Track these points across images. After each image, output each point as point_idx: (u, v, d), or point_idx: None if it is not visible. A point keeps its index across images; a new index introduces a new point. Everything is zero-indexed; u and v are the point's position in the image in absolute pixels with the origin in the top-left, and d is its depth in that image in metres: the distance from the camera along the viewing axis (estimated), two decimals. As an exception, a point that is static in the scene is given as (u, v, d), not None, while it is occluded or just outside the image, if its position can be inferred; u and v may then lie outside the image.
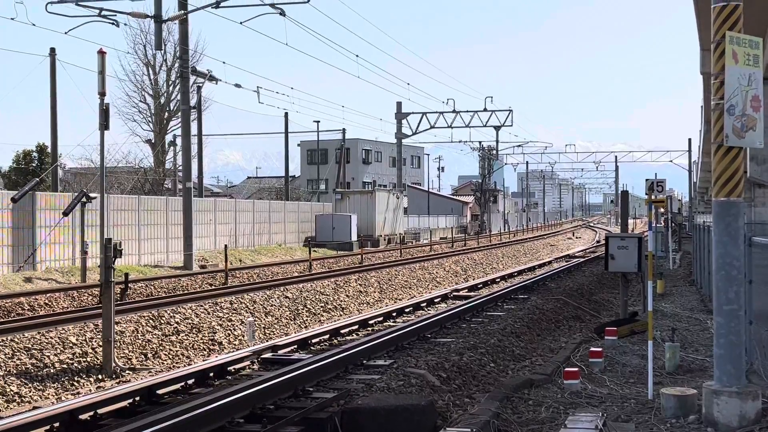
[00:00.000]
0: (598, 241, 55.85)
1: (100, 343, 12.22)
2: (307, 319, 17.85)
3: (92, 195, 23.49)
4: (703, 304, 17.00)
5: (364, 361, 11.27)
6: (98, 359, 12.12)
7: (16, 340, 12.26)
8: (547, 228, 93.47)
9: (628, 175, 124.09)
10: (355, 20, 52.49)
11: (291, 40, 31.07)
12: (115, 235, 26.31)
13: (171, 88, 45.66)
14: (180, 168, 38.12)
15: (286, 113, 52.59)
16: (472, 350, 11.74)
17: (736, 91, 7.16)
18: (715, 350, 7.30)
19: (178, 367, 12.00)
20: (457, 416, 8.19)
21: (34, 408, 9.41)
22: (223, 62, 36.74)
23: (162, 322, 14.86)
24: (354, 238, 43.41)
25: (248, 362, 11.63)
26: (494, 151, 78.42)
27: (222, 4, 26.54)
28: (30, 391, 10.69)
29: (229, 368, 11.10)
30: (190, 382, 10.19)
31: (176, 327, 14.79)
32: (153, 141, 46.36)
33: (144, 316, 14.88)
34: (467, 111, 60.68)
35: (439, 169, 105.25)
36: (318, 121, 59.03)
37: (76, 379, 11.45)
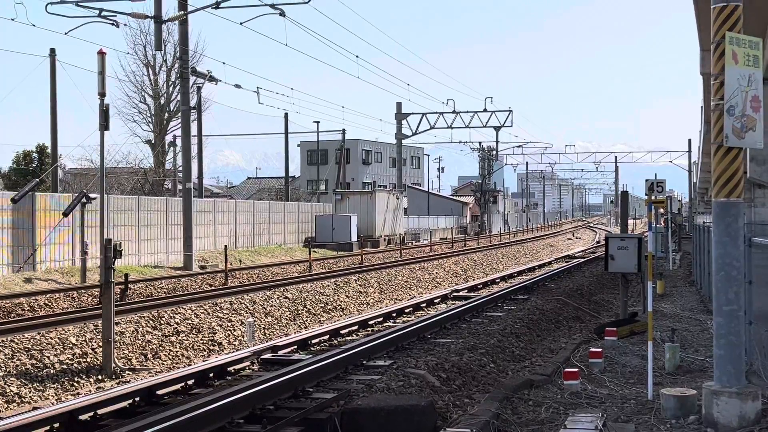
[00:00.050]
0: (597, 242, 55.86)
1: (100, 344, 12.22)
2: (306, 320, 17.85)
3: (92, 195, 23.48)
4: (702, 305, 17.00)
5: (364, 362, 11.28)
6: (98, 360, 12.12)
7: (16, 340, 12.26)
8: (547, 228, 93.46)
9: (628, 176, 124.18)
10: (355, 21, 52.53)
11: (291, 40, 31.09)
12: (115, 235, 26.31)
13: (171, 89, 45.68)
14: (180, 168, 38.09)
15: (286, 114, 52.64)
16: (472, 351, 11.74)
17: (736, 91, 7.16)
18: (715, 351, 7.30)
19: (178, 368, 12.00)
20: (457, 417, 8.19)
21: (34, 408, 9.42)
22: (223, 63, 36.81)
23: (162, 322, 14.86)
24: (354, 238, 43.41)
25: (248, 363, 11.64)
26: (494, 152, 78.45)
27: (222, 5, 26.55)
28: (30, 392, 10.69)
29: (229, 369, 11.10)
30: (190, 382, 10.20)
31: (176, 327, 14.79)
32: (153, 141, 46.36)
33: (144, 317, 14.88)
34: (467, 111, 60.74)
35: (439, 169, 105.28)
36: (318, 122, 59.16)
37: (76, 379, 11.46)
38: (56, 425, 8.07)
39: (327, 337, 14.17)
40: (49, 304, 18.10)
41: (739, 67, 7.17)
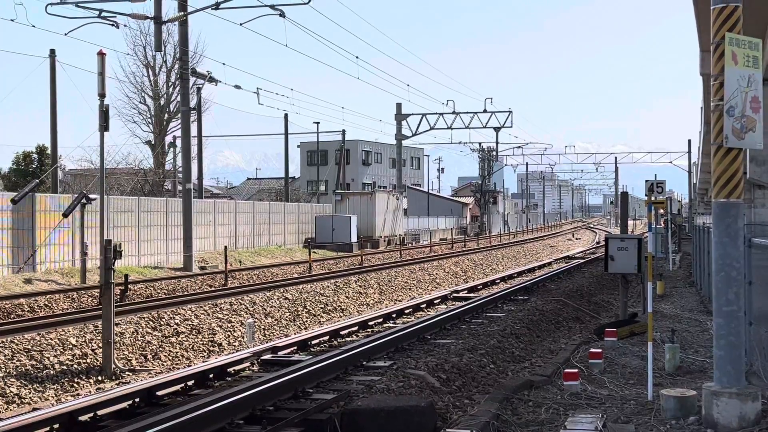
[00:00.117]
0: (597, 243, 55.86)
1: (100, 345, 12.22)
2: (306, 321, 17.84)
3: (92, 196, 23.49)
4: (702, 306, 17.00)
5: (364, 363, 11.28)
6: (98, 360, 12.12)
7: (15, 341, 12.26)
8: (547, 229, 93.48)
9: (627, 176, 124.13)
10: (355, 21, 52.51)
11: (291, 41, 31.11)
12: (115, 236, 26.32)
13: (171, 90, 45.67)
14: (180, 169, 38.09)
15: (286, 114, 52.65)
16: (471, 351, 11.74)
17: (736, 92, 7.16)
18: (715, 351, 7.30)
19: (178, 369, 11.99)
20: (456, 417, 8.19)
21: (34, 409, 9.41)
22: (223, 63, 36.74)
23: (162, 323, 14.86)
24: (354, 239, 43.41)
25: (248, 363, 11.64)
26: (494, 153, 78.45)
27: (222, 6, 26.55)
28: (30, 393, 10.69)
29: (228, 369, 11.10)
30: (190, 383, 10.20)
31: (176, 328, 14.79)
32: (153, 142, 46.35)
33: (144, 318, 14.88)
34: (467, 112, 60.71)
35: (438, 170, 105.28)
36: (318, 123, 59.03)
37: (75, 380, 11.45)
38: (56, 426, 8.07)
39: (327, 337, 14.17)
40: (49, 304, 18.10)
41: (739, 68, 7.18)
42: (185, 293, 20.84)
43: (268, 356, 12.08)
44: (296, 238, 42.94)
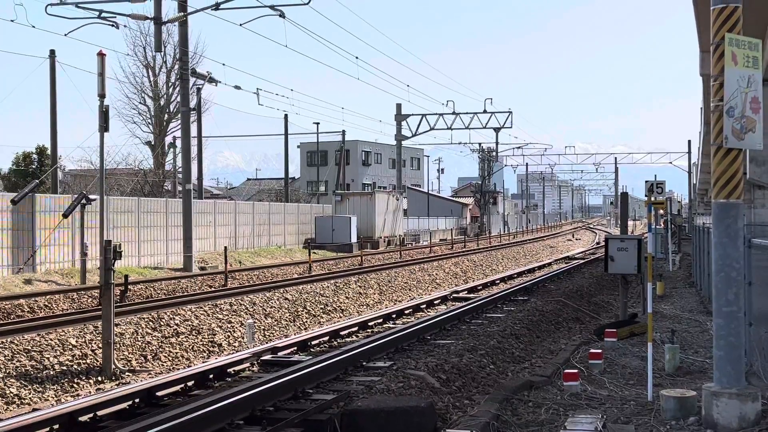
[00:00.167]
0: (597, 243, 55.87)
1: (100, 345, 12.22)
2: (306, 321, 17.84)
3: (92, 197, 23.49)
4: (702, 306, 17.01)
5: (364, 363, 11.28)
6: (98, 361, 12.12)
7: (15, 341, 12.25)
8: (547, 230, 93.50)
9: (627, 177, 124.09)
10: (355, 22, 52.53)
11: (291, 41, 31.15)
12: (115, 236, 26.31)
13: (171, 90, 45.68)
14: (179, 170, 38.10)
15: (286, 115, 52.65)
16: (471, 352, 11.74)
17: (736, 92, 7.16)
18: (715, 352, 7.30)
19: (178, 369, 12.00)
20: (456, 418, 8.19)
21: (34, 410, 9.42)
22: (223, 64, 36.73)
23: (162, 323, 14.85)
24: (354, 239, 43.41)
25: (248, 364, 11.64)
26: (494, 153, 78.45)
27: (221, 6, 26.55)
28: (30, 393, 10.69)
29: (228, 370, 11.10)
30: (189, 383, 10.20)
31: (176, 329, 14.79)
32: (152, 143, 46.36)
33: (144, 318, 14.88)
34: (467, 113, 60.72)
35: (438, 170, 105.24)
36: (318, 123, 58.92)
37: (75, 380, 11.45)
38: (56, 426, 8.07)
39: (327, 338, 14.17)
40: (49, 305, 18.10)
41: (739, 69, 7.18)
42: (185, 294, 20.84)
43: (268, 357, 12.08)
44: (296, 239, 42.94)
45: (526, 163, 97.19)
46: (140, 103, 46.17)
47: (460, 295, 21.59)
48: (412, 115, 61.19)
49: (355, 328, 15.33)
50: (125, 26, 44.53)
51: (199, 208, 33.44)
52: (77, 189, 35.48)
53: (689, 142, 70.27)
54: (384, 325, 16.17)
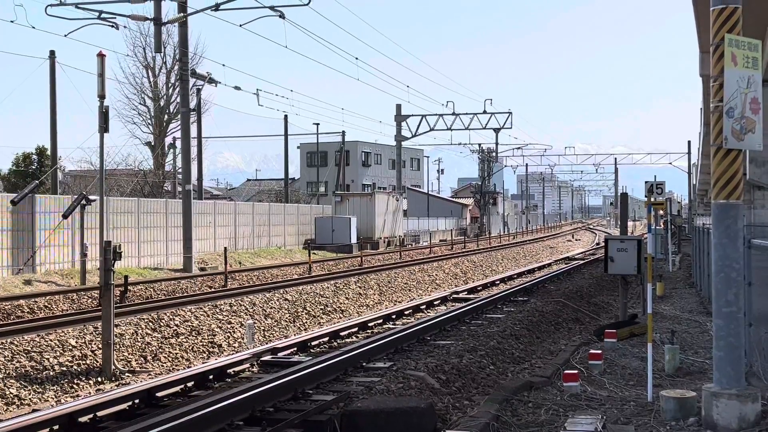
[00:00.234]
0: (597, 244, 55.88)
1: (100, 346, 12.22)
2: (306, 322, 17.84)
3: (92, 197, 23.48)
4: (702, 307, 17.01)
5: (364, 364, 11.28)
6: (98, 362, 12.12)
7: (15, 342, 12.25)
8: (547, 230, 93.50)
9: (627, 178, 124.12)
10: (355, 22, 52.51)
11: (290, 42, 31.08)
12: (115, 237, 26.30)
13: (170, 91, 45.66)
14: (179, 170, 38.10)
15: (286, 115, 52.62)
16: (471, 352, 11.74)
17: (735, 93, 7.16)
18: (715, 352, 7.30)
19: (178, 370, 12.00)
20: (456, 418, 8.19)
21: (34, 411, 9.42)
22: (223, 65, 36.73)
23: (161, 324, 14.85)
24: (353, 240, 43.41)
25: (248, 365, 11.64)
26: (494, 154, 78.45)
27: (221, 7, 26.54)
28: (29, 394, 10.69)
29: (228, 371, 11.10)
30: (189, 384, 10.20)
31: (176, 329, 14.79)
32: (152, 143, 46.35)
33: (143, 319, 14.88)
34: (467, 113, 60.70)
35: (438, 171, 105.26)
36: (317, 124, 58.86)
37: (75, 381, 11.46)
38: (56, 427, 8.07)
39: (327, 339, 14.17)
40: (49, 306, 18.09)
41: (739, 69, 7.18)
42: (185, 294, 20.84)
43: (267, 357, 12.08)
44: (296, 240, 42.94)
45: (526, 164, 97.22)
46: (140, 103, 46.19)
47: (460, 295, 21.59)
48: (412, 115, 61.20)
49: (355, 329, 15.33)
50: (125, 27, 44.55)
51: (199, 209, 33.43)
52: (77, 190, 35.46)
53: (689, 142, 70.26)
54: (384, 326, 16.17)
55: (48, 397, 10.75)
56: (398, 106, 61.04)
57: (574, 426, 7.38)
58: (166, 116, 45.89)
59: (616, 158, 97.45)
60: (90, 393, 10.88)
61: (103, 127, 21.44)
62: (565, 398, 8.72)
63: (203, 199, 40.15)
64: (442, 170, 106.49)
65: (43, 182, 34.65)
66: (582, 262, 35.36)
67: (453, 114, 59.69)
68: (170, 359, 13.32)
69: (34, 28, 24.45)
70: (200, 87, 39.28)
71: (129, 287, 20.09)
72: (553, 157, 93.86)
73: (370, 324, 16.02)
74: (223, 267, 24.62)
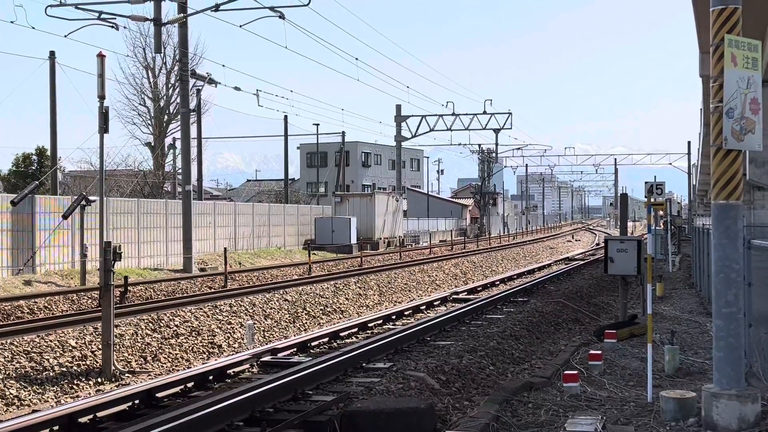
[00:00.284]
0: (597, 244, 55.88)
1: (100, 346, 12.22)
2: (306, 322, 17.84)
3: (92, 198, 23.48)
4: (702, 307, 17.01)
5: (364, 364, 11.28)
6: (98, 362, 12.12)
7: (15, 343, 12.25)
8: (547, 231, 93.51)
9: (627, 178, 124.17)
10: (355, 23, 52.54)
11: (290, 43, 31.06)
12: (115, 238, 26.30)
13: (170, 91, 45.65)
14: (179, 171, 38.10)
15: (286, 116, 52.63)
16: (471, 353, 11.74)
17: (735, 94, 7.16)
18: (715, 353, 7.30)
19: (178, 371, 12.00)
20: (456, 419, 8.20)
21: (34, 411, 9.42)
22: (223, 65, 36.76)
23: (161, 325, 14.85)
24: (353, 241, 43.41)
25: (248, 365, 11.64)
26: (493, 154, 78.47)
27: (221, 8, 26.55)
28: (29, 395, 10.69)
29: (228, 371, 11.10)
30: (189, 385, 10.20)
31: (176, 330, 14.79)
32: (152, 144, 46.34)
33: (143, 319, 14.88)
34: (467, 114, 60.75)
35: (438, 171, 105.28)
36: (317, 124, 58.86)
37: (75, 382, 11.45)
38: (56, 428, 8.07)
39: (326, 339, 14.17)
40: (49, 306, 18.09)
41: (738, 70, 7.18)
42: (185, 295, 20.84)
43: (267, 358, 12.09)
44: (296, 240, 42.94)
45: (526, 164, 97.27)
46: (140, 104, 46.17)
47: (460, 296, 21.59)
48: (412, 116, 61.23)
49: (355, 330, 15.33)
50: (125, 27, 44.47)
51: (199, 210, 33.44)
52: (77, 190, 35.47)
53: (689, 143, 70.26)
54: (384, 327, 16.17)
55: (48, 397, 10.74)
56: (398, 107, 61.07)
57: (574, 426, 7.38)
58: (166, 117, 45.88)
59: (616, 159, 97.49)
60: (90, 393, 10.88)
61: (103, 127, 21.45)
62: (564, 399, 8.73)
63: (203, 200, 40.15)
64: (442, 171, 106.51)
65: (43, 183, 34.65)
66: (582, 262, 35.35)
67: (453, 114, 59.72)
68: (170, 360, 13.32)
69: (34, 28, 24.46)
70: (200, 87, 39.26)
71: (129, 288, 20.08)
72: (552, 157, 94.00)
73: (370, 324, 16.02)
74: (223, 267, 24.62)
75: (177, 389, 9.90)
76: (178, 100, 36.59)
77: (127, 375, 11.94)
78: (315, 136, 60.16)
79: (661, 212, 26.96)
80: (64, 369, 11.74)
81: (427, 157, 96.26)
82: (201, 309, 16.61)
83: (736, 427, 6.88)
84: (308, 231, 44.16)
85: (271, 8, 26.16)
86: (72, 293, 19.72)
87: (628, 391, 9.17)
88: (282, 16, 26.43)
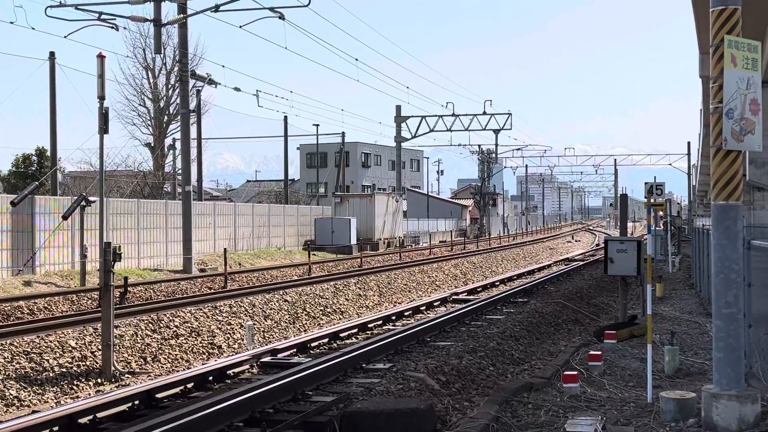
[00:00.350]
0: (597, 245, 55.87)
1: (100, 347, 12.21)
2: (306, 323, 17.84)
3: (91, 198, 23.48)
4: (702, 308, 17.01)
5: (364, 365, 11.28)
6: (97, 363, 12.12)
7: (15, 343, 12.25)
8: (547, 231, 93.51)
9: (627, 179, 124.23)
10: (355, 24, 52.55)
11: (290, 43, 31.08)
12: (115, 238, 26.29)
13: (170, 92, 45.65)
14: (179, 171, 38.08)
15: (286, 117, 52.63)
16: (471, 354, 11.74)
17: (735, 94, 7.16)
18: (714, 354, 7.30)
19: (178, 371, 12.00)
20: (456, 420, 8.19)
21: (33, 412, 9.42)
22: (223, 66, 36.83)
23: (161, 325, 14.85)
24: (353, 241, 43.41)
25: (247, 366, 11.64)
26: (493, 155, 78.47)
27: (221, 8, 26.55)
28: (29, 395, 10.69)
29: (228, 372, 11.11)
30: (189, 385, 10.20)
31: (175, 331, 14.79)
32: (152, 144, 46.34)
33: (143, 320, 14.88)
34: (466, 114, 60.73)
35: (438, 172, 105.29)
36: (317, 125, 58.84)
37: (75, 383, 11.45)
38: (55, 429, 8.07)
39: (326, 340, 14.17)
40: (49, 307, 18.09)
41: (738, 70, 7.18)
42: (185, 295, 20.83)
43: (267, 358, 12.09)
44: (296, 241, 42.94)
45: (526, 165, 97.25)
46: (140, 104, 46.16)
47: (460, 296, 21.59)
48: (412, 116, 61.21)
49: (355, 330, 15.33)
50: (125, 28, 44.48)
51: (199, 210, 33.44)
52: (77, 191, 35.46)
53: (689, 143, 70.33)
54: (383, 327, 16.17)
55: (48, 398, 10.74)
56: (398, 107, 61.07)
57: (574, 427, 7.38)
58: (165, 117, 45.87)
59: (615, 159, 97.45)
60: (90, 394, 10.88)
61: (103, 128, 21.46)
62: (564, 399, 8.72)
63: (203, 200, 40.15)
64: (442, 171, 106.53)
65: (43, 183, 34.62)
66: (582, 263, 35.35)
67: (453, 115, 59.71)
68: (170, 360, 13.32)
69: (34, 29, 24.47)
70: (200, 88, 39.27)
71: (129, 288, 20.08)
72: (552, 158, 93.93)
73: (369, 325, 16.02)
74: (222, 268, 24.62)
75: (177, 390, 9.90)
76: (178, 100, 36.59)
77: (126, 375, 11.94)
78: (315, 137, 60.18)
79: (661, 213, 26.98)
80: (64, 370, 11.74)
81: (427, 158, 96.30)
82: (201, 310, 16.61)
83: (735, 428, 6.89)
84: (308, 232, 44.16)
85: (271, 9, 26.16)
86: (72, 294, 19.71)
87: (628, 391, 9.17)
88: (282, 17, 26.43)
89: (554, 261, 39.07)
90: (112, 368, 11.83)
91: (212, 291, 21.96)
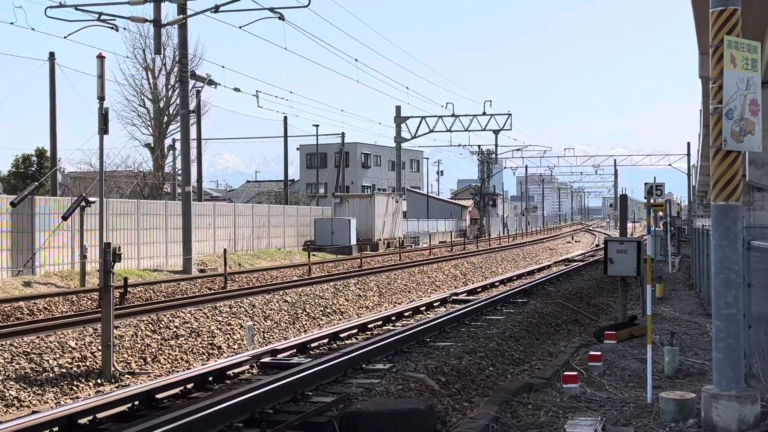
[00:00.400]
0: (597, 245, 55.87)
1: (99, 348, 12.21)
2: (306, 323, 17.84)
3: (91, 199, 23.48)
4: (702, 308, 17.00)
5: (364, 365, 11.28)
6: (97, 363, 12.12)
7: (15, 344, 12.25)
8: (547, 232, 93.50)
9: (627, 179, 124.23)
10: (354, 24, 52.56)
11: (290, 44, 31.11)
12: (114, 239, 26.29)
13: (170, 92, 45.62)
14: (179, 172, 38.08)
15: (285, 117, 52.62)
16: (471, 354, 11.74)
17: (735, 95, 7.16)
18: (714, 354, 7.30)
19: (178, 372, 12.00)
20: (456, 420, 8.20)
21: (33, 412, 9.42)
22: (223, 66, 36.84)
23: (161, 326, 14.85)
24: (353, 242, 43.41)
25: (247, 366, 11.64)
26: (493, 155, 78.47)
27: (221, 9, 26.55)
28: (29, 396, 10.69)
29: (228, 372, 11.11)
30: (189, 386, 10.20)
31: (175, 331, 14.79)
32: (152, 145, 46.32)
33: (143, 321, 14.88)
34: (466, 115, 60.73)
35: (438, 172, 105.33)
36: (317, 125, 58.80)
37: (75, 383, 11.45)
38: (55, 429, 8.07)
39: (326, 340, 14.17)
40: (49, 307, 18.09)
41: (738, 71, 7.18)
42: (185, 296, 20.83)
43: (267, 359, 12.09)
44: (296, 241, 42.94)
45: (526, 165, 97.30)
46: (140, 105, 46.12)
47: (460, 297, 21.59)
48: (412, 117, 61.21)
49: (355, 331, 15.34)
50: (125, 29, 44.51)
51: (199, 211, 33.44)
52: (77, 191, 35.46)
53: (688, 144, 70.30)
54: (383, 328, 16.17)
55: (48, 398, 10.74)
56: (398, 108, 61.07)
57: (574, 427, 7.38)
58: (165, 118, 45.85)
59: (615, 160, 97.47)
60: (90, 395, 10.88)
61: (103, 128, 21.45)
62: (564, 400, 8.73)
63: (203, 201, 40.15)
64: (442, 172, 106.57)
65: (43, 184, 34.61)
66: (581, 263, 35.36)
67: (452, 115, 59.73)
68: (170, 361, 13.32)
69: (33, 29, 24.46)
70: (200, 89, 39.27)
71: (128, 289, 20.08)
72: (552, 158, 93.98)
73: (369, 325, 16.02)
74: (222, 268, 24.61)
75: (177, 390, 9.90)
76: (178, 101, 36.59)
77: (126, 376, 11.94)
78: (315, 137, 60.18)
79: (660, 213, 26.98)
80: (64, 370, 11.74)
81: (427, 158, 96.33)
82: (201, 310, 16.61)
83: (735, 428, 6.89)
84: (308, 232, 44.16)
85: (271, 9, 26.16)
86: (72, 294, 19.72)
87: (628, 392, 9.17)
88: (282, 17, 26.42)
89: (554, 261, 39.07)
90: (112, 369, 11.83)
91: (212, 291, 21.96)
